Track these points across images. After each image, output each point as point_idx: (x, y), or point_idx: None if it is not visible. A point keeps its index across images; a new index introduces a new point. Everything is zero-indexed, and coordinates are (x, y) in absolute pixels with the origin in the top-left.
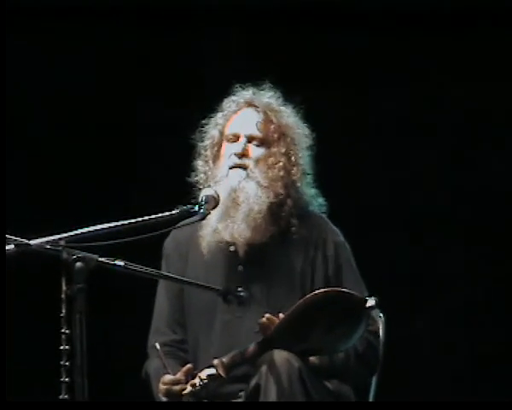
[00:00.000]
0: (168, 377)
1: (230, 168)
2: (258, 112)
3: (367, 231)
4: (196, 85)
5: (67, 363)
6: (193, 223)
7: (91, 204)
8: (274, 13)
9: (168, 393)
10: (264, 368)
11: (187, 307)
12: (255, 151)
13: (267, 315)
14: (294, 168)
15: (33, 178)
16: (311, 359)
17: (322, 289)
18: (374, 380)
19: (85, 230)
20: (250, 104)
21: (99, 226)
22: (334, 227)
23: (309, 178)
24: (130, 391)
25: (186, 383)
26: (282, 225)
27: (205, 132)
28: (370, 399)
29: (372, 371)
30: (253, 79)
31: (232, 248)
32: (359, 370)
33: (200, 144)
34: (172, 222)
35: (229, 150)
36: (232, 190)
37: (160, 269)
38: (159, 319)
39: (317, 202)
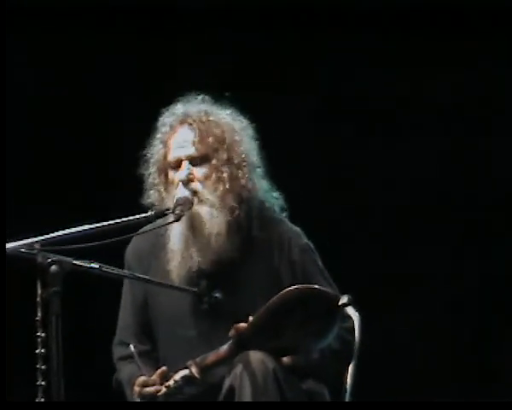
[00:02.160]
0: (142, 379)
1: None
2: (192, 129)
3: (340, 230)
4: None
5: (44, 366)
6: (168, 224)
7: (66, 207)
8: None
9: (142, 394)
10: (238, 369)
11: (153, 320)
12: (199, 172)
13: (237, 324)
14: (240, 172)
15: (9, 179)
16: (286, 359)
17: (294, 286)
18: (349, 379)
19: (60, 233)
20: (183, 122)
21: (74, 229)
22: (296, 228)
23: (259, 171)
24: (107, 392)
25: (161, 385)
26: (243, 231)
27: (149, 159)
28: (346, 398)
29: (346, 368)
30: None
31: (205, 269)
32: (334, 367)
33: (147, 172)
34: (147, 224)
35: (175, 178)
36: (187, 218)
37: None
38: (124, 332)
39: (272, 196)
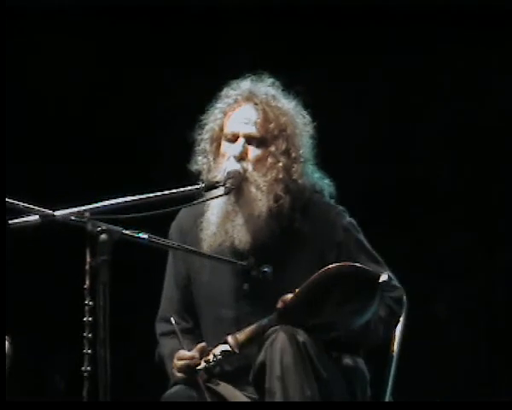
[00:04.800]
0: (182, 353)
1: None
2: (257, 109)
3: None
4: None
5: (90, 335)
6: (217, 197)
7: (117, 176)
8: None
9: (182, 368)
10: (268, 345)
11: (195, 298)
12: (253, 152)
13: (284, 297)
14: (295, 166)
15: (59, 150)
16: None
17: (336, 264)
18: (395, 356)
19: (110, 202)
20: (249, 99)
21: (124, 199)
22: (340, 208)
23: (311, 168)
24: (151, 364)
25: (200, 359)
26: (284, 222)
27: (204, 125)
28: (391, 375)
29: (388, 337)
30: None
31: (237, 247)
32: (378, 333)
33: (199, 137)
34: (198, 196)
35: (227, 151)
36: (231, 193)
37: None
38: (167, 308)
39: (321, 186)
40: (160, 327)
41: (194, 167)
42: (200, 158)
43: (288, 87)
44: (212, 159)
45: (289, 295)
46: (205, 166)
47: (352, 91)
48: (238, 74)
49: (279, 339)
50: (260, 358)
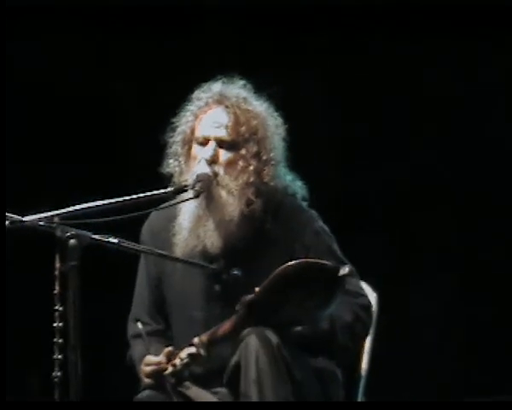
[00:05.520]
0: (149, 358)
1: None
2: (228, 112)
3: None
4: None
5: (61, 340)
6: (186, 200)
7: (85, 181)
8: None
9: (150, 374)
10: (243, 347)
11: (167, 300)
12: (224, 155)
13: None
14: (266, 168)
15: (28, 154)
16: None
17: (294, 261)
18: (365, 358)
19: (79, 207)
20: (220, 102)
21: (93, 203)
22: (312, 212)
23: (283, 170)
24: (123, 369)
25: (167, 364)
26: (256, 225)
27: (176, 128)
28: (362, 379)
29: (358, 344)
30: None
31: (210, 252)
32: (345, 339)
33: (171, 140)
34: (166, 200)
35: (199, 154)
36: (203, 197)
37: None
38: (139, 309)
39: (293, 189)
40: (132, 328)
41: (165, 170)
42: (171, 161)
43: (261, 89)
44: (183, 162)
45: (249, 297)
46: (176, 169)
47: (326, 92)
48: (212, 77)
49: (253, 342)
50: (235, 359)
